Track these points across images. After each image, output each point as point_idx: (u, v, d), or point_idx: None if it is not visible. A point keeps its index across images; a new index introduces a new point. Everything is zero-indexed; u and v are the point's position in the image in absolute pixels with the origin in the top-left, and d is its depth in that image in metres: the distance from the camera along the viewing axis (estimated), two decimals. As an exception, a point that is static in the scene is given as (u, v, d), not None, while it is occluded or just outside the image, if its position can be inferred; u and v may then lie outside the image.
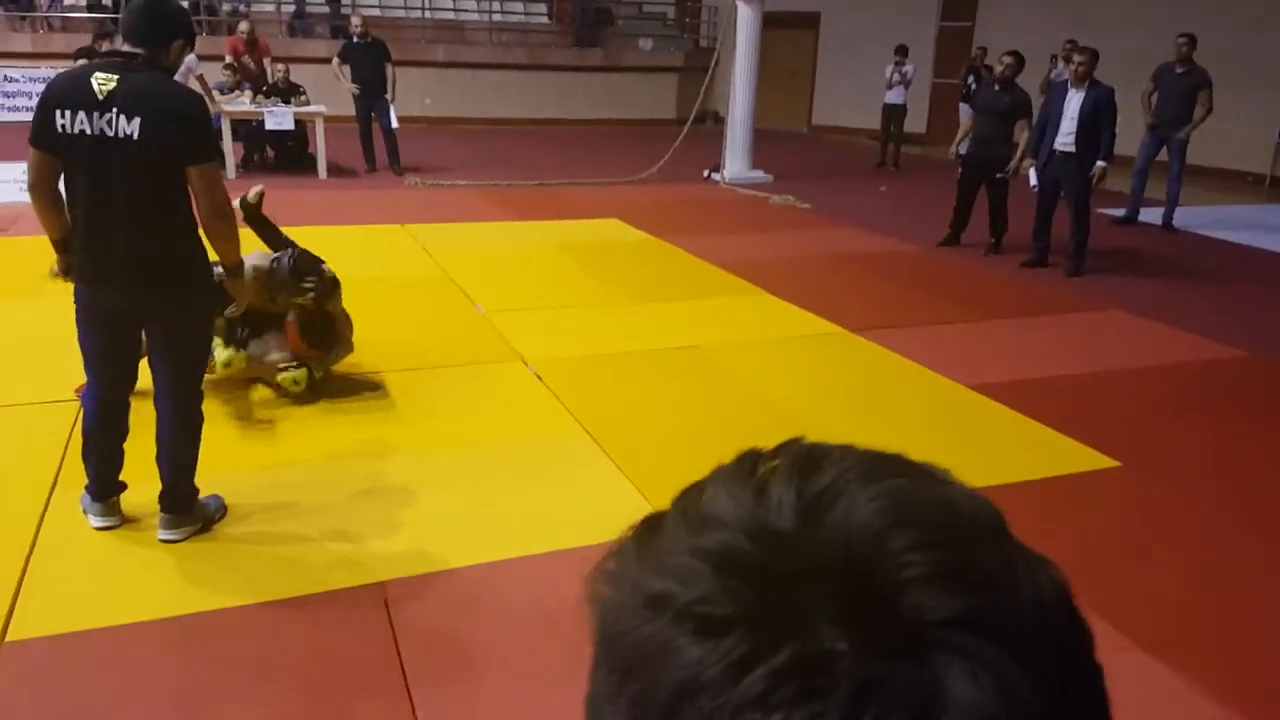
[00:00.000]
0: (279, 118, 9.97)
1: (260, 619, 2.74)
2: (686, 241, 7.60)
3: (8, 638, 2.58)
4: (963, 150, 7.79)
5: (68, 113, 2.66)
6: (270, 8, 15.98)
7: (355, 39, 10.49)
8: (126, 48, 2.78)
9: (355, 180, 10.33)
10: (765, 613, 0.34)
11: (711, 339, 5.27)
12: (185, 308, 2.94)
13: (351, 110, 10.56)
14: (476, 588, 2.96)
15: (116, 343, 2.96)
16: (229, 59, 10.70)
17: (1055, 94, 7.15)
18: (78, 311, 2.94)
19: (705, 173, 11.52)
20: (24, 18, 14.28)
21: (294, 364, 4.14)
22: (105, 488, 3.11)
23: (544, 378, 4.57)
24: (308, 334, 4.20)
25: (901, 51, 12.35)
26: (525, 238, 7.65)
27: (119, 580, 2.89)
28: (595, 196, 9.68)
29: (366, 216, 8.08)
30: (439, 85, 15.94)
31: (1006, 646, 0.35)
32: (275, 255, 4.20)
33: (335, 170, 10.41)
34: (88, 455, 3.09)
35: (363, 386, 4.42)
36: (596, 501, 3.44)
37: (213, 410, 4.03)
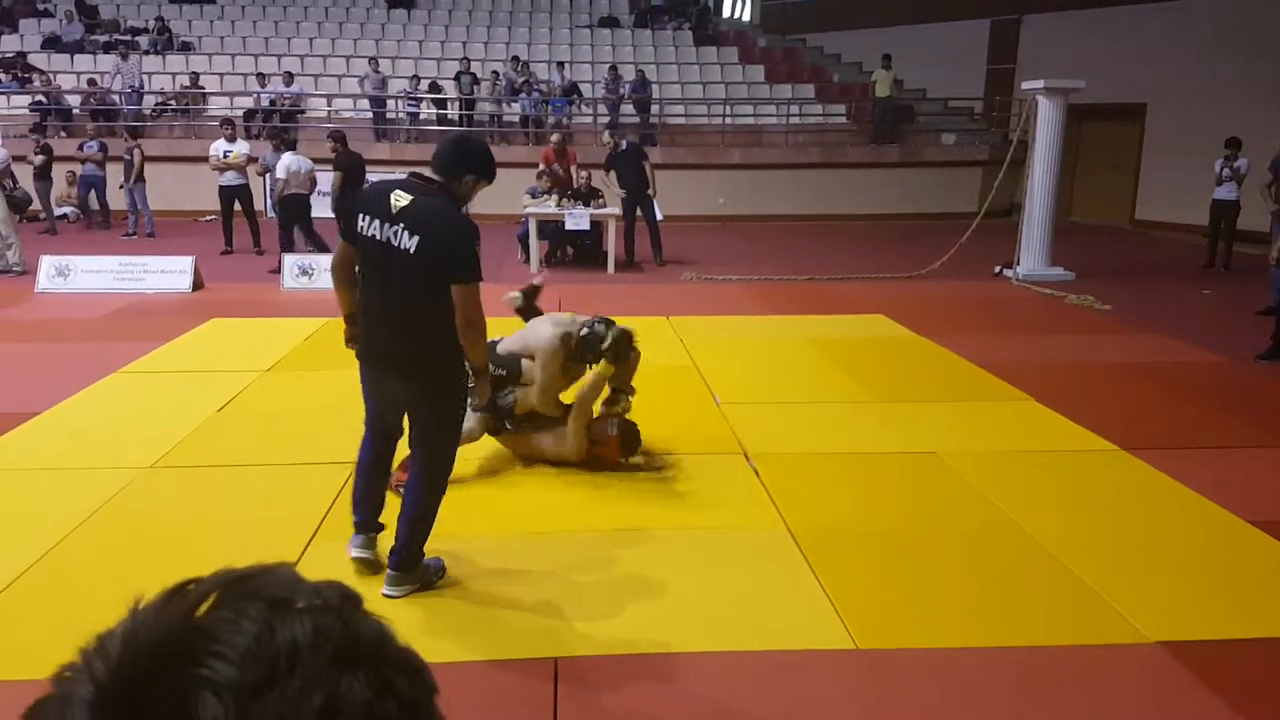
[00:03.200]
0: (577, 219, 10.89)
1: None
2: (955, 341, 7.21)
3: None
4: None
5: (367, 218, 3.13)
6: (589, 119, 17.61)
7: (614, 151, 11.32)
8: (428, 174, 3.21)
9: (639, 274, 10.95)
10: None
11: (953, 446, 4.92)
12: (435, 397, 3.28)
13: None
14: (645, 675, 2.95)
15: (381, 408, 3.44)
16: (542, 166, 11.92)
17: None
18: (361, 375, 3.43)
19: (996, 269, 10.91)
20: (385, 130, 16.88)
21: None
22: (364, 522, 3.54)
23: (761, 473, 4.52)
24: (623, 444, 4.60)
25: (1233, 144, 11.08)
26: (780, 332, 7.66)
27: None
28: (868, 291, 9.50)
29: (641, 308, 8.48)
30: (733, 185, 16.60)
31: None
32: (587, 320, 4.64)
33: (621, 265, 11.10)
34: (355, 492, 3.56)
35: (588, 465, 4.61)
36: (780, 605, 3.32)
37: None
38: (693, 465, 4.65)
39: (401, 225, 3.05)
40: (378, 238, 3.09)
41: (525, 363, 4.54)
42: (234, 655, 0.42)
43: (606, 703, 2.82)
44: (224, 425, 5.21)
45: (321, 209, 11.10)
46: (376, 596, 3.35)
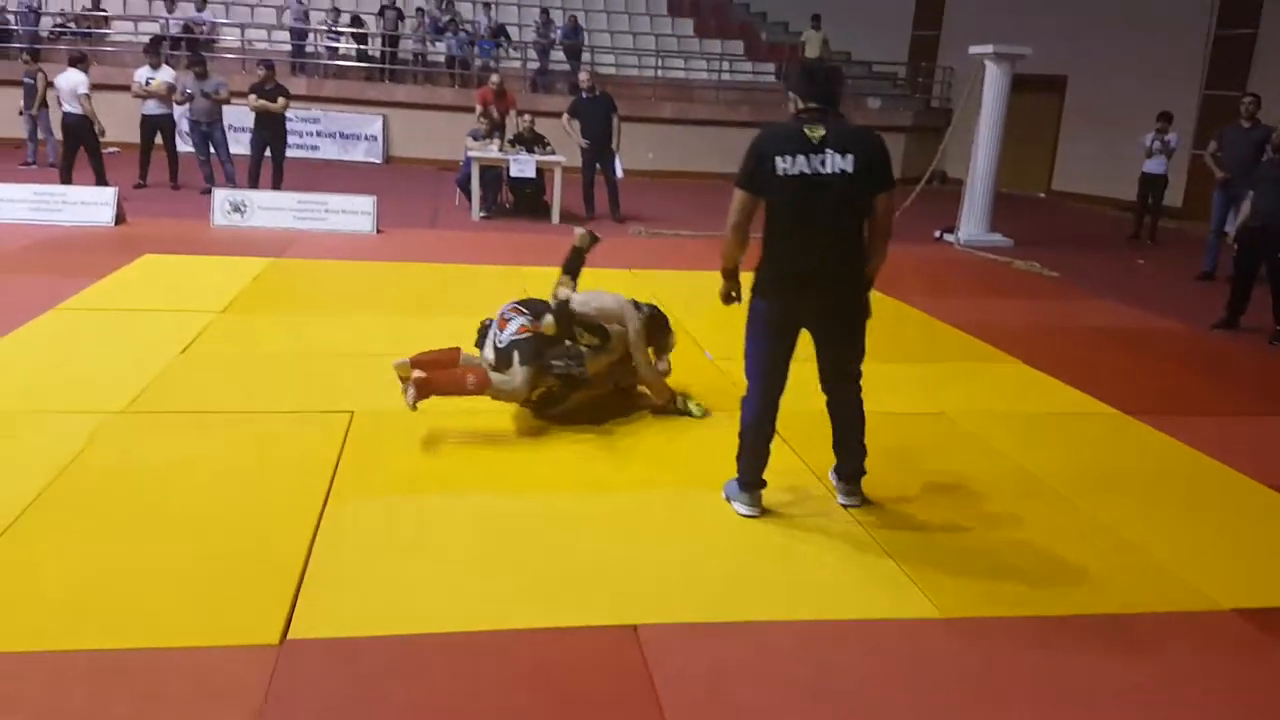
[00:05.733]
0: (523, 165, 10.46)
1: (520, 644, 2.69)
2: (921, 301, 7.24)
3: (290, 635, 2.66)
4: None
5: (788, 158, 3.18)
6: (516, 64, 17.01)
7: (584, 94, 10.87)
8: (814, 106, 3.27)
9: (584, 226, 10.62)
10: None
11: (961, 406, 4.91)
12: (857, 310, 3.43)
13: (577, 161, 10.96)
14: (731, 643, 2.78)
15: (784, 350, 3.46)
16: (479, 108, 11.38)
17: None
18: (755, 325, 3.46)
19: (937, 233, 11.07)
20: (303, 64, 15.91)
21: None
22: (753, 480, 3.57)
23: (780, 431, 4.38)
24: None
25: (1165, 118, 11.41)
26: (748, 287, 7.53)
27: (396, 590, 2.91)
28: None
29: (598, 261, 8.20)
30: (663, 140, 16.34)
31: None
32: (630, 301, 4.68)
33: (565, 216, 10.76)
34: (742, 451, 3.55)
35: (602, 417, 4.41)
36: (849, 571, 3.22)
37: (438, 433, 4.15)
38: (705, 423, 4.50)
39: (829, 151, 3.17)
40: (805, 173, 3.18)
41: (614, 330, 4.50)
42: None
43: (696, 669, 2.66)
44: (192, 368, 4.75)
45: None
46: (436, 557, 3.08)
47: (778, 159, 3.18)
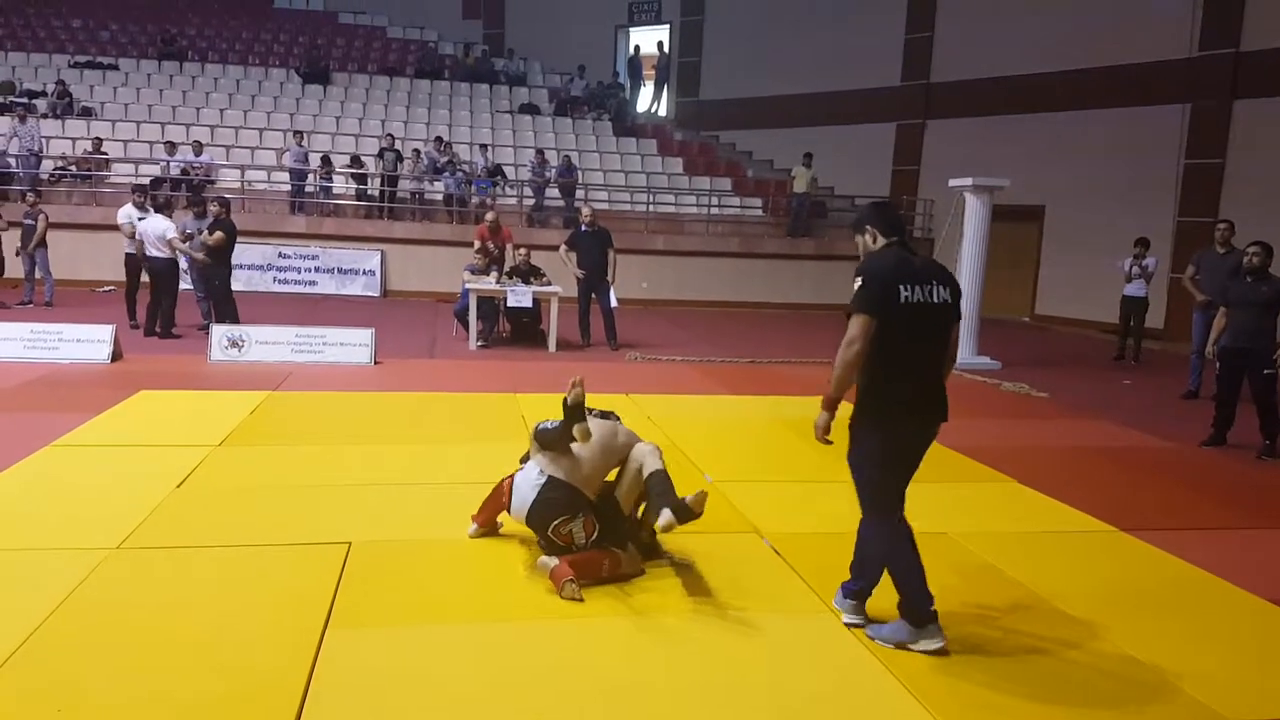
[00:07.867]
0: (520, 296, 10.71)
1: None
2: (916, 425, 7.27)
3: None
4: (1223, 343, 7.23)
5: (909, 285, 3.30)
6: (513, 200, 17.60)
7: (584, 227, 11.26)
8: (895, 239, 3.45)
9: (580, 353, 10.81)
10: None
11: (960, 527, 4.90)
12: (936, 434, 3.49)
13: (573, 291, 11.26)
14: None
15: (911, 471, 3.50)
16: (477, 243, 11.73)
17: None
18: (879, 453, 3.39)
19: (925, 358, 11.21)
20: (302, 204, 16.43)
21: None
22: (931, 610, 3.43)
23: (781, 552, 4.37)
24: None
25: (1142, 244, 11.79)
26: (744, 411, 7.63)
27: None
28: (808, 374, 9.59)
29: (595, 386, 8.27)
30: (656, 270, 16.78)
31: None
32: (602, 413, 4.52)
33: (562, 344, 10.94)
34: (911, 588, 3.44)
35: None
36: (864, 702, 3.15)
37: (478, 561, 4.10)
38: (709, 545, 4.46)
39: (934, 282, 3.36)
40: (922, 300, 3.31)
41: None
42: None
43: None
44: (188, 503, 4.73)
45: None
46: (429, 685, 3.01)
47: (901, 287, 3.28)
